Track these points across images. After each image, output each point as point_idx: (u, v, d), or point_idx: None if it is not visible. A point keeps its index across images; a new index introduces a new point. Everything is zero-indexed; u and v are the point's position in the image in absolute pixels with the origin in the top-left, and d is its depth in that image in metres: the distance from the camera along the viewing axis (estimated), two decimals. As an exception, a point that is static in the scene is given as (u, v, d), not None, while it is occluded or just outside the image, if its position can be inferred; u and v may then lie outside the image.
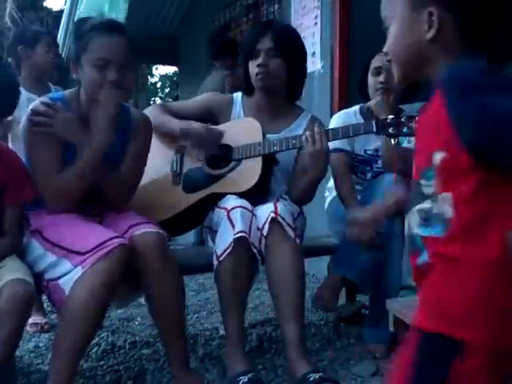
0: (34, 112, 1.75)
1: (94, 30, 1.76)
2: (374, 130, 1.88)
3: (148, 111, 2.23)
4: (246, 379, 1.70)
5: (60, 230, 1.69)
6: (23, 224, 1.75)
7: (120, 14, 3.67)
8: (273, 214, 1.85)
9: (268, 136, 2.08)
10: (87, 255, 1.56)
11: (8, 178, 1.70)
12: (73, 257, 1.60)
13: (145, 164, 1.95)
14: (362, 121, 2.22)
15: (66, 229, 1.69)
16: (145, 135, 1.94)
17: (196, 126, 2.11)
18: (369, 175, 2.34)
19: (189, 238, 1.92)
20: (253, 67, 2.12)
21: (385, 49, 0.98)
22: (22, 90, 2.64)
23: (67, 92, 1.89)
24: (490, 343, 0.81)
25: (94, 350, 2.21)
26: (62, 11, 6.53)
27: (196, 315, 2.80)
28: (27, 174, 1.76)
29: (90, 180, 1.75)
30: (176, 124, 2.15)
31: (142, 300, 2.47)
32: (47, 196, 1.76)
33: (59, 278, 1.61)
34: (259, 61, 2.08)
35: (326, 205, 2.46)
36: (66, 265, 1.60)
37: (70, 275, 1.58)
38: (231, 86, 3.81)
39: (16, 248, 1.70)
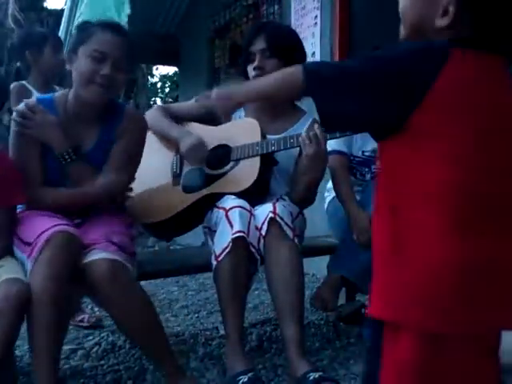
0: (17, 113, 1.79)
1: (96, 25, 1.79)
2: None
3: (149, 113, 2.24)
4: (246, 379, 1.70)
5: (24, 226, 1.71)
6: (13, 227, 1.74)
7: (124, 17, 3.68)
8: (271, 214, 1.85)
9: (268, 137, 2.08)
10: (32, 245, 1.57)
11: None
12: (26, 249, 1.61)
13: (136, 164, 1.91)
14: None
15: (27, 224, 1.71)
16: (134, 134, 1.88)
17: (185, 141, 2.11)
18: (368, 176, 2.35)
19: (187, 239, 1.92)
20: (250, 70, 2.12)
21: (399, 8, 1.00)
22: (33, 90, 2.67)
23: (57, 93, 1.92)
24: (415, 325, 0.87)
25: (94, 350, 2.21)
26: (62, 11, 6.54)
27: (196, 315, 2.81)
28: (18, 176, 1.76)
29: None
30: (175, 133, 2.16)
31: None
32: (27, 200, 1.78)
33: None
34: (255, 63, 2.08)
35: (326, 205, 2.47)
36: (26, 260, 1.61)
37: (28, 269, 1.58)
38: None
39: (5, 251, 1.70)
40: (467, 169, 0.88)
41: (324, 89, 0.95)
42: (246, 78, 2.17)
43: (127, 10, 3.62)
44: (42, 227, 1.61)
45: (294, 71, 0.98)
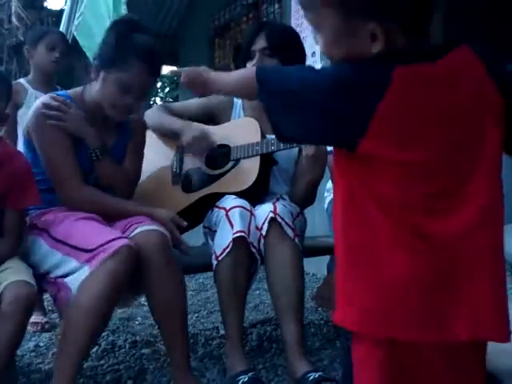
0: (47, 106, 1.76)
1: (137, 52, 1.72)
2: None
3: (150, 112, 2.24)
4: (246, 378, 1.70)
5: (66, 228, 1.69)
6: (23, 227, 1.75)
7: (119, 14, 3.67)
8: (272, 214, 1.85)
9: (268, 136, 2.08)
10: (93, 253, 1.56)
11: (10, 184, 1.67)
12: (79, 254, 1.60)
13: (142, 160, 2.00)
14: None
15: (71, 227, 1.69)
16: (140, 136, 1.99)
17: (188, 133, 2.11)
18: None
19: (187, 239, 1.93)
20: None
21: (321, 50, 0.97)
22: (29, 87, 2.65)
23: (71, 91, 1.90)
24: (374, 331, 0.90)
25: (94, 350, 2.21)
26: (62, 11, 6.53)
27: (196, 315, 2.81)
28: (32, 178, 1.73)
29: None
30: (178, 125, 2.15)
31: (143, 299, 2.48)
32: (62, 198, 1.79)
33: (66, 275, 1.61)
34: (254, 62, 2.07)
35: (326, 205, 2.47)
36: (72, 263, 1.60)
37: (77, 274, 1.58)
38: None
39: (15, 251, 1.69)
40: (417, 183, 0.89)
41: (272, 101, 0.94)
42: None
43: (123, 11, 3.62)
44: (103, 236, 1.61)
45: (250, 76, 0.96)
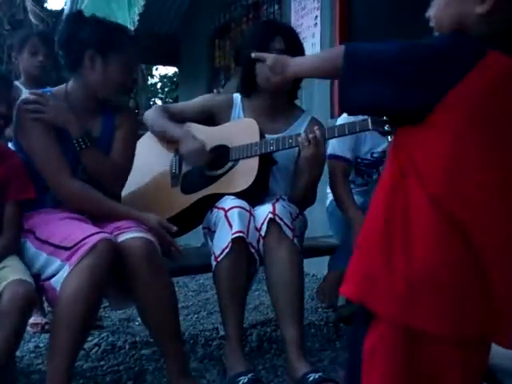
0: (25, 101, 1.78)
1: (122, 34, 1.90)
2: (370, 127, 1.87)
3: (149, 113, 2.24)
4: (246, 379, 1.70)
5: (49, 228, 1.70)
6: (22, 223, 1.76)
7: (133, 14, 3.67)
8: (271, 215, 1.85)
9: (267, 137, 2.08)
10: (72, 250, 1.57)
11: (10, 176, 1.71)
12: (60, 253, 1.60)
13: (133, 152, 1.97)
14: (368, 120, 2.21)
15: (54, 226, 1.70)
16: (129, 123, 1.95)
17: (187, 144, 2.10)
18: (375, 176, 2.33)
19: (187, 239, 1.92)
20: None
21: (428, 14, 1.01)
22: (23, 89, 2.66)
23: (55, 88, 1.92)
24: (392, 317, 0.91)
25: (94, 351, 2.21)
26: (62, 11, 6.53)
27: (196, 315, 2.80)
28: (27, 172, 1.76)
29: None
30: (178, 133, 2.15)
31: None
32: (53, 193, 1.79)
33: (52, 277, 1.61)
34: None
35: (327, 204, 2.46)
36: (56, 262, 1.60)
37: (59, 274, 1.58)
38: None
39: (15, 246, 1.70)
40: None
41: (355, 74, 0.98)
42: (250, 74, 2.15)
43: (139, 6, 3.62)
44: (82, 232, 1.60)
45: (338, 52, 1.00)
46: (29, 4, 8.74)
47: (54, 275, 1.61)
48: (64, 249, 1.59)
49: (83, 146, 1.79)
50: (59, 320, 1.55)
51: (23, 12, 8.77)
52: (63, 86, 1.90)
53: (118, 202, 1.86)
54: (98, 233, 1.60)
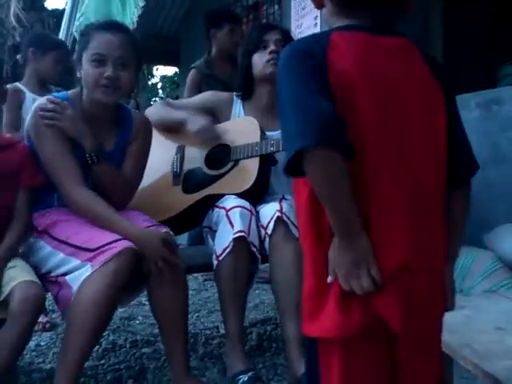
0: (42, 108, 1.76)
1: (94, 28, 1.81)
2: None
3: (151, 108, 2.27)
4: (246, 378, 1.71)
5: (68, 229, 1.70)
6: (31, 211, 1.78)
7: (131, 15, 3.68)
8: (278, 213, 1.86)
9: (268, 134, 2.08)
10: (95, 252, 1.57)
11: (22, 163, 1.75)
12: (80, 253, 1.61)
13: (145, 165, 1.96)
14: None
15: (73, 227, 1.70)
16: (145, 136, 1.95)
17: (197, 121, 2.12)
18: None
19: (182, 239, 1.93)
20: (261, 57, 2.12)
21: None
22: (25, 90, 2.68)
23: (70, 92, 1.90)
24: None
25: (95, 349, 2.21)
26: (62, 11, 6.54)
27: (196, 314, 2.81)
28: (35, 161, 1.78)
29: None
30: (184, 115, 2.17)
31: (143, 299, 2.49)
32: (64, 201, 1.77)
33: (67, 273, 1.62)
34: (271, 48, 2.09)
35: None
36: (74, 261, 1.61)
37: (78, 272, 1.59)
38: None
39: (26, 234, 1.73)
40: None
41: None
42: (246, 72, 2.17)
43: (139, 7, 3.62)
44: (108, 237, 1.62)
45: None
46: (13, 6, 8.71)
47: (68, 272, 1.61)
48: (87, 250, 1.60)
49: (95, 161, 1.78)
50: (77, 320, 1.55)
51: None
52: (78, 89, 1.88)
53: (119, 218, 1.73)
54: (124, 239, 1.62)
